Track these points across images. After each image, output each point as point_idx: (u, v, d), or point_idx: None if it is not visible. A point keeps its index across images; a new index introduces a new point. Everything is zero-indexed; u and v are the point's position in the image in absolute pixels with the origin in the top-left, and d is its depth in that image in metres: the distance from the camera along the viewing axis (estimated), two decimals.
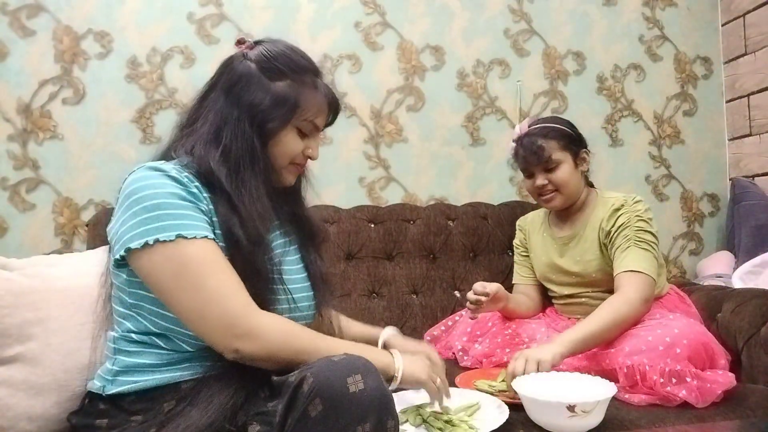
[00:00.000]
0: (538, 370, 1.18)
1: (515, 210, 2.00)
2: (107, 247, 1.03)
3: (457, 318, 1.69)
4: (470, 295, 1.45)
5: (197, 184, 0.95)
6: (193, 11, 1.98)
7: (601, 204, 1.58)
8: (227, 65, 1.05)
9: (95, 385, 0.98)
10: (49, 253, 1.72)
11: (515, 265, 1.77)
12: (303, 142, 1.05)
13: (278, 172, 1.06)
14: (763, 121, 2.21)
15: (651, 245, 1.44)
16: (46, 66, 1.87)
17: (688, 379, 1.18)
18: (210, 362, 0.93)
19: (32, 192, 1.85)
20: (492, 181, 2.18)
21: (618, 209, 1.51)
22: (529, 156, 1.55)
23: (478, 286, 1.45)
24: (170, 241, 0.89)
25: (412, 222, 1.93)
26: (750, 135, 2.27)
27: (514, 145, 1.63)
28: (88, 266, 1.31)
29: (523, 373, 1.17)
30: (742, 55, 2.29)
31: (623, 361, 1.23)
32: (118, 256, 0.93)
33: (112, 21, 1.92)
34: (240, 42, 1.06)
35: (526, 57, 2.23)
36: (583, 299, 1.57)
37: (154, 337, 0.94)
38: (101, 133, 1.90)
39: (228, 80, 1.02)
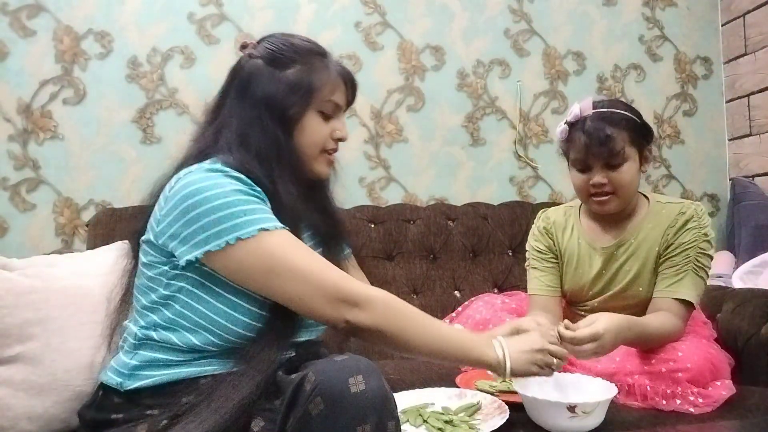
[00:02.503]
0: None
1: (515, 210, 2.00)
2: (119, 243, 1.01)
3: (453, 315, 1.68)
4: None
5: (248, 181, 0.95)
6: (194, 11, 1.98)
7: (656, 209, 1.36)
8: (236, 70, 1.05)
9: (113, 380, 0.95)
10: (49, 253, 1.73)
11: (535, 272, 1.46)
12: (328, 125, 1.05)
13: (310, 164, 1.05)
14: (763, 121, 2.21)
15: (707, 271, 1.31)
16: (46, 66, 1.87)
17: (692, 398, 1.16)
18: (230, 360, 0.92)
19: (32, 192, 1.85)
20: (492, 181, 2.18)
21: (688, 221, 1.31)
22: (595, 146, 1.26)
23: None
24: (252, 237, 0.89)
25: (412, 222, 1.93)
26: (750, 135, 2.27)
27: (566, 127, 1.33)
28: (88, 266, 1.31)
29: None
30: (742, 55, 2.29)
31: (624, 379, 1.22)
32: (191, 258, 0.90)
33: (113, 21, 1.92)
34: (243, 46, 1.07)
35: (526, 57, 2.23)
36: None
37: (181, 331, 0.93)
38: (101, 133, 1.90)
39: (240, 84, 1.03)
